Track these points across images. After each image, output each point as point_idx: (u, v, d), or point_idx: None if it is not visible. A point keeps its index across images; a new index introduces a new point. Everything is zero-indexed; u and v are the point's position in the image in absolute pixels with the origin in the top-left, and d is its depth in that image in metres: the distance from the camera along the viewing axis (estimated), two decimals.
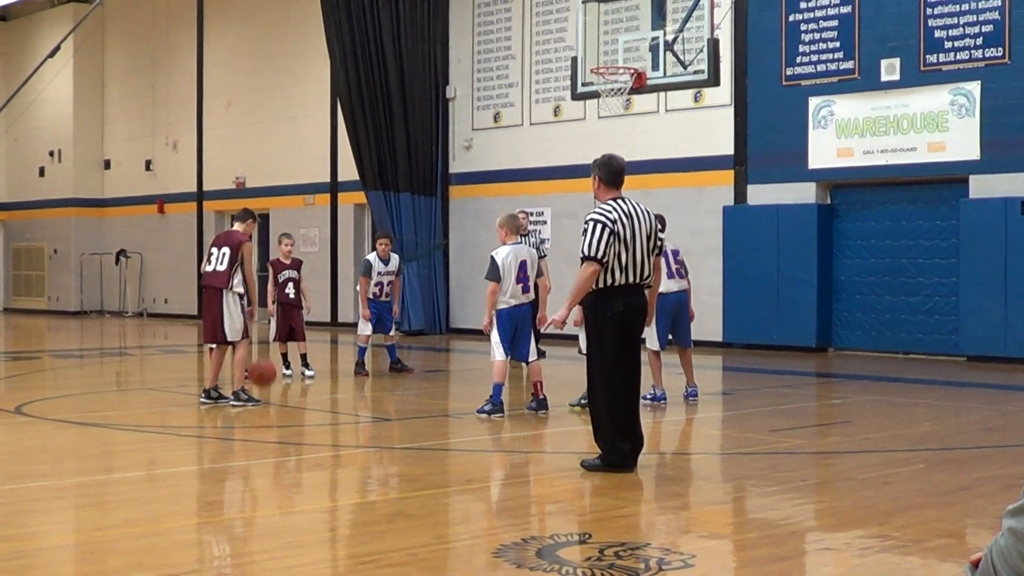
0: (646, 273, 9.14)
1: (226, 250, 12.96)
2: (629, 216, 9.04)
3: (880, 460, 9.79)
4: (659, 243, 9.30)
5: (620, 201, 9.13)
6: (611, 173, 9.27)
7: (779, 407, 13.42)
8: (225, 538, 7.28)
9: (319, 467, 9.97)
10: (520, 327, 12.20)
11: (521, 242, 12.66)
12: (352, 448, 11.11)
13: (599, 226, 8.95)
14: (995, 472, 9.20)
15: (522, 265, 12.28)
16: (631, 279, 9.03)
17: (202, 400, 13.12)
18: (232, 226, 13.49)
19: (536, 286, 12.70)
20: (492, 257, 12.31)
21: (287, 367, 16.04)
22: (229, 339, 12.96)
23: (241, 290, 12.98)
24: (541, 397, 12.34)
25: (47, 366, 19.42)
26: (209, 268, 13.09)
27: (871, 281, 19.71)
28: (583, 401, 12.28)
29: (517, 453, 10.79)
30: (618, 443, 8.98)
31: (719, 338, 20.87)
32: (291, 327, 15.99)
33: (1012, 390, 15.03)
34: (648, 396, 12.73)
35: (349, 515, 8.01)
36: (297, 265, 16.19)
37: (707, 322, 20.72)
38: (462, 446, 10.86)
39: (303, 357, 16.04)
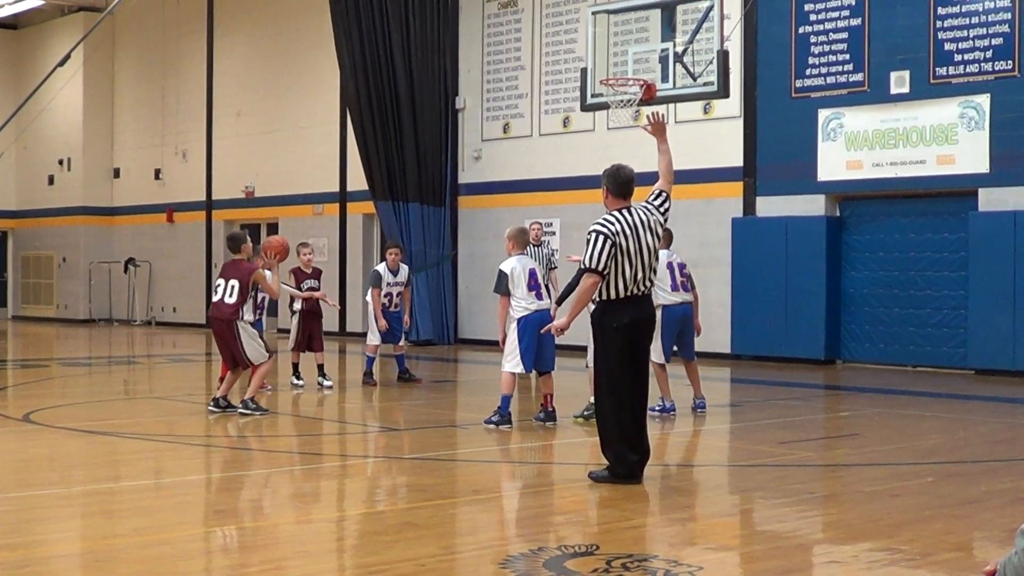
0: (651, 283, 9.15)
1: (235, 283, 12.90)
2: (634, 227, 9.04)
3: (888, 473, 9.77)
4: (663, 215, 9.29)
5: (626, 211, 9.13)
6: (619, 184, 9.28)
7: (787, 419, 13.40)
8: (233, 547, 7.29)
9: (327, 477, 9.98)
10: (544, 334, 12.08)
11: (527, 254, 12.67)
12: (360, 458, 11.12)
13: (600, 237, 8.96)
14: (1004, 485, 9.18)
15: (531, 273, 12.29)
16: (636, 290, 9.03)
17: (210, 408, 13.13)
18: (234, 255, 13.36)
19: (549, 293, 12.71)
20: (500, 270, 12.33)
21: (298, 377, 16.01)
22: (256, 363, 12.97)
23: (251, 317, 13.04)
24: (550, 409, 12.35)
25: (55, 374, 19.45)
26: (216, 298, 13.05)
27: (880, 293, 19.69)
28: (586, 413, 12.28)
29: (525, 464, 10.79)
30: (626, 454, 8.97)
31: (727, 350, 20.85)
32: (309, 335, 16.00)
33: (1020, 403, 15.00)
34: (657, 408, 12.74)
35: (357, 525, 8.01)
36: (317, 275, 16.17)
37: (715, 334, 20.70)
38: (470, 457, 10.86)
39: (320, 368, 16.01)
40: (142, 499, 8.66)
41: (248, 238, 13.47)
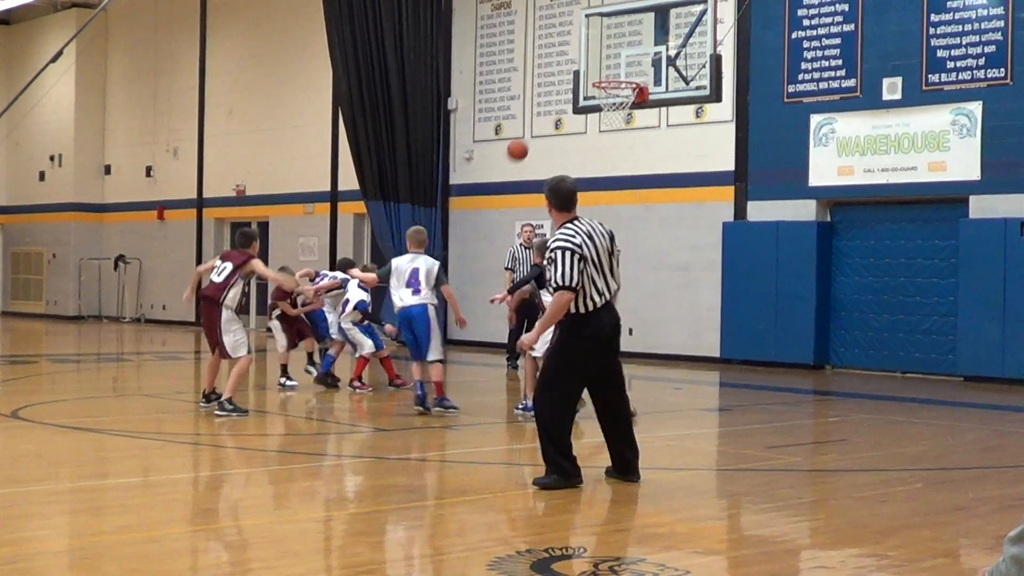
0: (613, 287, 9.07)
1: (228, 265, 12.84)
2: (590, 235, 8.94)
3: (876, 479, 9.78)
4: (616, 254, 9.22)
5: (577, 222, 9.02)
6: (560, 198, 9.14)
7: (776, 424, 13.41)
8: (220, 546, 7.27)
9: (314, 476, 9.97)
10: (416, 327, 13.00)
11: (422, 254, 13.29)
12: (347, 458, 11.10)
13: (567, 253, 8.79)
14: (992, 492, 9.20)
15: (414, 272, 13.06)
16: (606, 298, 8.98)
17: (202, 404, 13.07)
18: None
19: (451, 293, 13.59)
20: (391, 261, 13.39)
21: (288, 378, 15.97)
22: (232, 356, 12.74)
23: (234, 305, 12.82)
24: (441, 397, 13.02)
25: (44, 370, 19.41)
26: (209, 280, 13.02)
27: (870, 299, 19.70)
28: (526, 406, 12.26)
29: (512, 465, 10.78)
30: (565, 459, 8.92)
31: (716, 353, 20.85)
32: (298, 332, 16.14)
33: (1009, 410, 15.03)
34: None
35: (344, 525, 8.00)
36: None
37: (705, 337, 20.73)
38: (458, 457, 10.85)
39: (309, 356, 16.33)
40: (130, 496, 8.65)
41: (258, 238, 13.48)
